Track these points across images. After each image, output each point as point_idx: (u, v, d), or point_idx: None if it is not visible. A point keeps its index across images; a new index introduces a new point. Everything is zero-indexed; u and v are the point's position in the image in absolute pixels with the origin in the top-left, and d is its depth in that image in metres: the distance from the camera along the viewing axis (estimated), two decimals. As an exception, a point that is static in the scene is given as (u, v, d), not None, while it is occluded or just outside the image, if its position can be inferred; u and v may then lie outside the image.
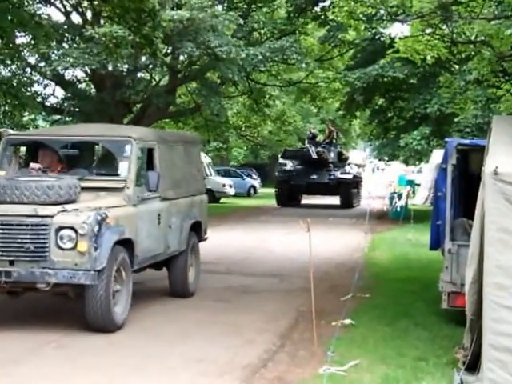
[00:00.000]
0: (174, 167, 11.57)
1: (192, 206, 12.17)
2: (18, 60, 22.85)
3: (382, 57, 24.14)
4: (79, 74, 27.58)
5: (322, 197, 36.50)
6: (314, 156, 33.93)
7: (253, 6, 29.20)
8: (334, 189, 34.20)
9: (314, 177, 34.05)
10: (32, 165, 10.50)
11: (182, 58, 26.19)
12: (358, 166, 39.27)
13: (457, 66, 26.01)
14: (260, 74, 32.53)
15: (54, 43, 22.66)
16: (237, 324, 10.01)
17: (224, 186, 38.48)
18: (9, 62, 22.84)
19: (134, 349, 8.61)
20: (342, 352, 8.43)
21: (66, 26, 24.41)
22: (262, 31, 29.75)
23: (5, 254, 8.95)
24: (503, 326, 6.56)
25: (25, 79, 24.03)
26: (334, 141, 37.22)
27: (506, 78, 18.40)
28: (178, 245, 11.43)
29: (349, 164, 36.73)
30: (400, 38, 17.34)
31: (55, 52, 22.34)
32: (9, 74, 23.36)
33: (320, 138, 39.03)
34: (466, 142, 11.11)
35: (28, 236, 8.93)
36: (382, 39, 27.56)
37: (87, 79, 28.75)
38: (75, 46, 22.90)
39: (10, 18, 19.14)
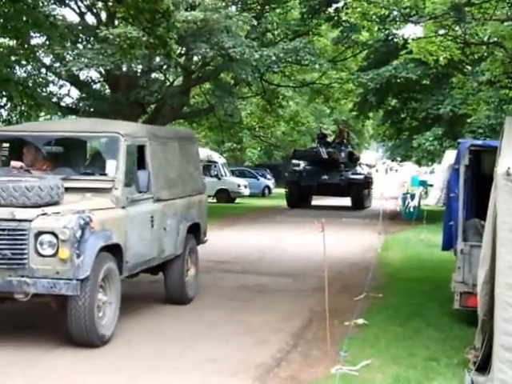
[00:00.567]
0: (168, 165, 10.83)
1: (189, 206, 11.48)
2: (33, 60, 23.02)
3: (395, 58, 24.26)
4: (94, 74, 27.71)
5: (333, 198, 35.81)
6: (325, 156, 33.47)
7: (266, 7, 29.22)
8: (344, 190, 33.57)
9: (325, 177, 33.42)
10: (13, 163, 9.76)
11: (195, 58, 26.21)
12: (369, 166, 38.84)
13: (469, 67, 26.00)
14: (273, 75, 32.49)
15: (69, 44, 22.72)
16: (251, 323, 10.08)
17: (239, 186, 38.95)
18: (24, 62, 23.01)
19: (148, 349, 8.61)
20: (354, 352, 8.48)
21: (80, 27, 24.48)
22: (276, 32, 29.74)
23: None
24: (515, 327, 6.58)
25: (40, 79, 24.12)
26: (345, 141, 36.63)
27: (519, 79, 18.42)
28: (173, 248, 10.76)
29: (359, 164, 36.18)
30: (413, 39, 17.41)
31: (70, 53, 22.38)
32: (24, 75, 23.49)
33: (331, 138, 38.60)
34: (479, 142, 11.14)
35: (5, 242, 8.09)
36: (395, 40, 27.53)
37: (102, 80, 28.88)
38: (90, 46, 22.94)
39: (25, 18, 19.32)
